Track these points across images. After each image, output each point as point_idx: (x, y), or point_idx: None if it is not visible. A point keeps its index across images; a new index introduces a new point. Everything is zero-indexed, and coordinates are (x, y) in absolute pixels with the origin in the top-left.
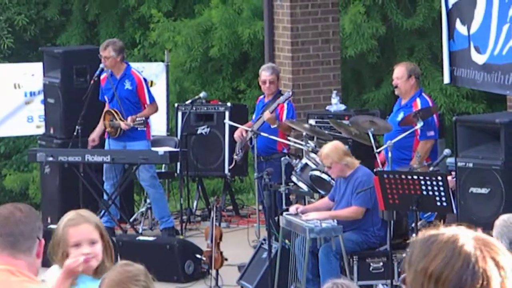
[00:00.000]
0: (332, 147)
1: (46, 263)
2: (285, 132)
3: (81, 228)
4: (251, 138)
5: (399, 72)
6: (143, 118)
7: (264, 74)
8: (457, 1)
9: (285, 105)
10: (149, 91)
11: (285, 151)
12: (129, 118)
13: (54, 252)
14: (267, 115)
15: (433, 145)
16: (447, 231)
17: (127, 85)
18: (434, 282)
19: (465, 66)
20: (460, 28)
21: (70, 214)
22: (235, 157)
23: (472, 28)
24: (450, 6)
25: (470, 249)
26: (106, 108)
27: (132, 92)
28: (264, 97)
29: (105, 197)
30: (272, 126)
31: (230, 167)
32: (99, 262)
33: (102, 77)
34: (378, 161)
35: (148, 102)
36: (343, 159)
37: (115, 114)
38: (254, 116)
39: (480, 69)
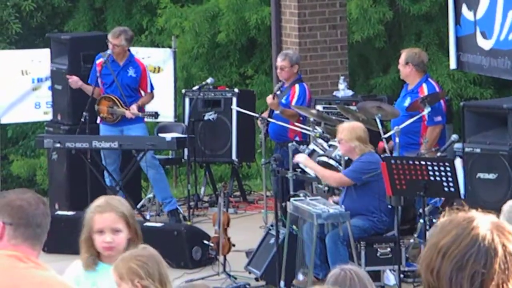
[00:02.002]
0: (349, 126)
1: (53, 250)
2: (290, 119)
3: (105, 216)
4: (267, 124)
5: (401, 57)
6: (154, 111)
7: (278, 60)
8: None
9: (297, 91)
10: (150, 80)
11: (297, 139)
12: (133, 106)
13: (81, 233)
14: (269, 99)
15: (441, 131)
16: (468, 213)
17: (131, 72)
18: (441, 256)
19: (472, 52)
20: (467, 13)
21: (100, 200)
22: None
23: (478, 13)
24: None
25: (481, 231)
26: (96, 92)
27: (135, 80)
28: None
29: (109, 182)
30: (276, 112)
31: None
32: (120, 252)
33: (98, 61)
34: (386, 147)
35: (149, 90)
36: (352, 141)
37: (116, 101)
38: None
39: (486, 55)
